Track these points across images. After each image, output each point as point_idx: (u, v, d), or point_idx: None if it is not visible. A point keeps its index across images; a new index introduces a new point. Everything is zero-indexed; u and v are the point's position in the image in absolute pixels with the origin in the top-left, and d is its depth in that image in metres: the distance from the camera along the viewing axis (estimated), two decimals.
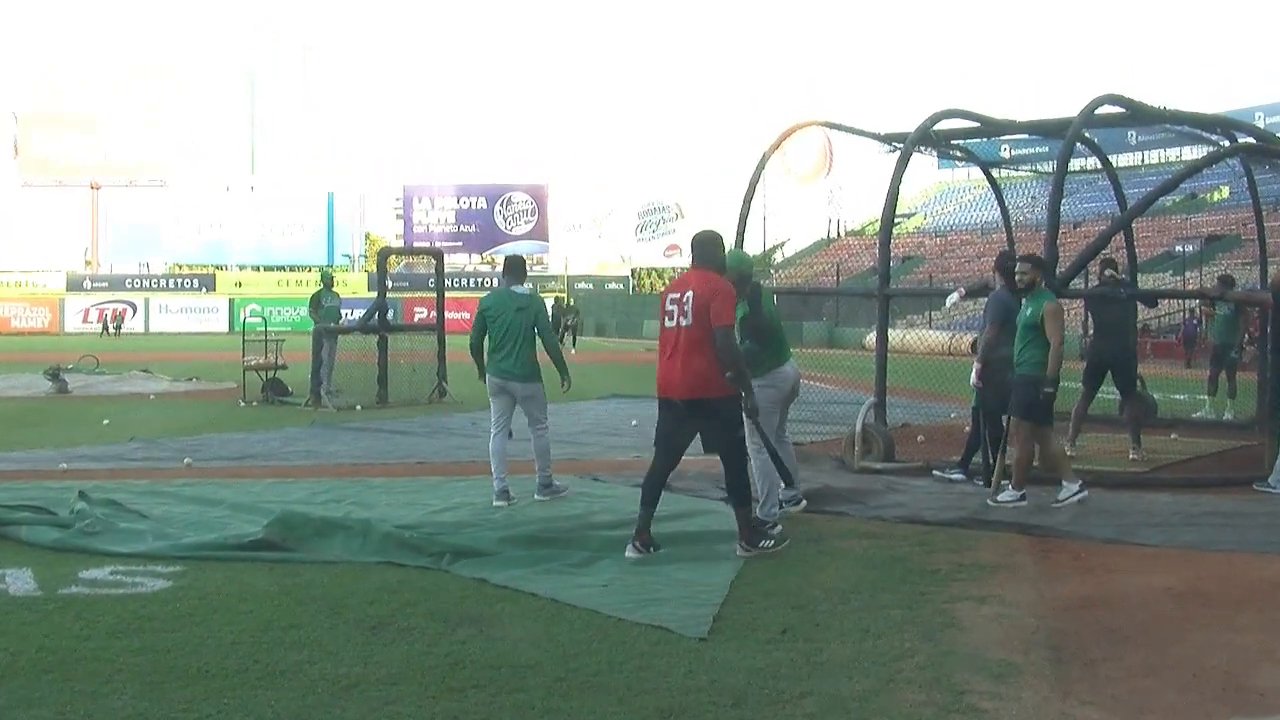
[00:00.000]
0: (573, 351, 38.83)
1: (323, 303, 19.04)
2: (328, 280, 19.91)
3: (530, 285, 9.59)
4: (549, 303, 39.54)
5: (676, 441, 7.49)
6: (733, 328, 7.27)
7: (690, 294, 7.29)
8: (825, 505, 9.12)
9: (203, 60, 75.21)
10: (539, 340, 9.40)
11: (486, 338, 9.39)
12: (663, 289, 7.77)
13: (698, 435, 7.49)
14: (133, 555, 7.31)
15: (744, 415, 7.33)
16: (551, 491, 9.38)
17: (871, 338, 14.06)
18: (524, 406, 9.41)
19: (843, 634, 5.67)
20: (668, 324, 7.40)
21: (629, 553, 7.29)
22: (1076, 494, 8.95)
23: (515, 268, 9.73)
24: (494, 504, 9.07)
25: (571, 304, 47.68)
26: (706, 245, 7.56)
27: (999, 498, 9.04)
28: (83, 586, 6.59)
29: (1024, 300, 9.17)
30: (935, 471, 10.59)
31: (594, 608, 6.11)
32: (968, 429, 10.89)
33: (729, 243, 8.35)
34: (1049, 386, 8.85)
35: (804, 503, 8.95)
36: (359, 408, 17.45)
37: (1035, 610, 6.17)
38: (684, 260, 73.73)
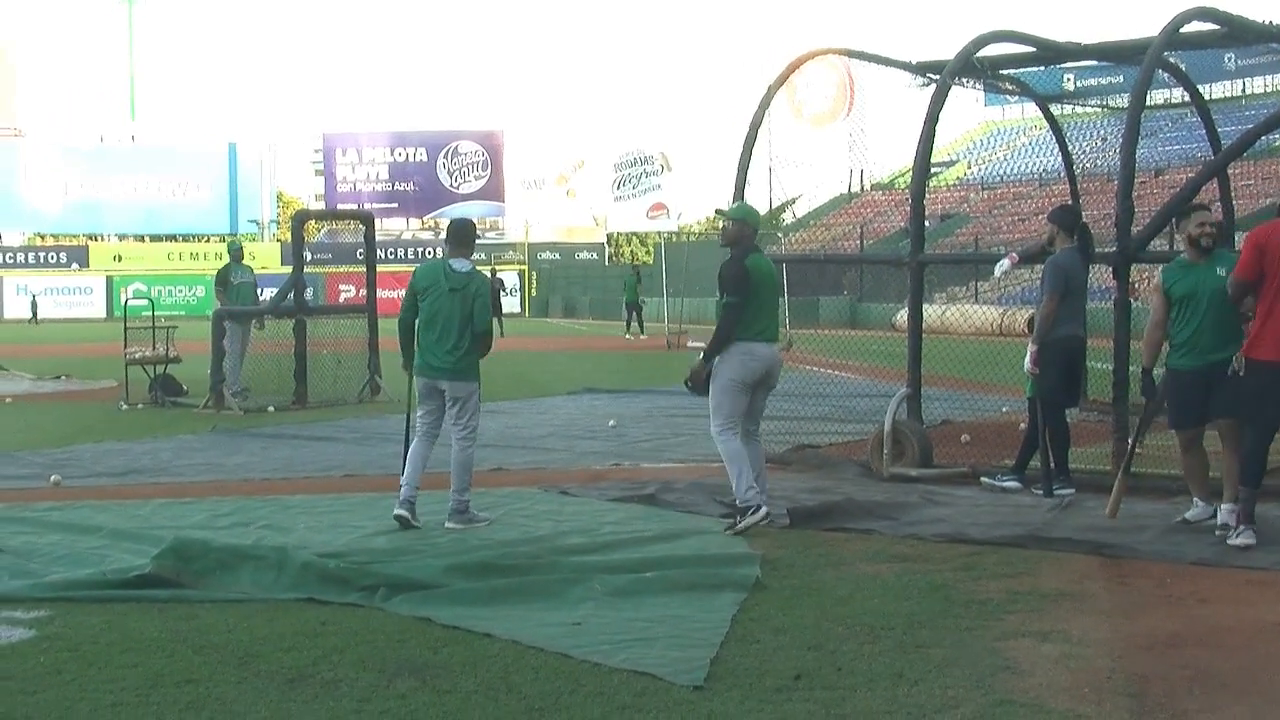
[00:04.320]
0: (632, 338, 38.23)
1: (231, 279, 19.04)
2: (236, 252, 19.98)
3: (471, 263, 9.44)
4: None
5: None
6: None
7: None
8: (848, 522, 9.14)
9: None
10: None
11: (418, 321, 9.36)
12: (1263, 230, 8.21)
13: None
14: None
15: None
16: (466, 520, 9.18)
17: (903, 315, 14.09)
18: (453, 405, 9.37)
19: (871, 680, 5.67)
20: None
21: (1222, 512, 8.33)
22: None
23: (459, 235, 9.60)
24: (394, 512, 9.07)
25: (636, 269, 46.62)
26: None
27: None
28: None
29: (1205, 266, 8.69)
30: (984, 479, 10.62)
31: (564, 651, 6.11)
32: (1023, 426, 10.92)
33: (726, 199, 8.54)
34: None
35: (764, 511, 8.94)
36: (271, 409, 17.41)
37: (1110, 650, 6.19)
38: (671, 223, 73.99)
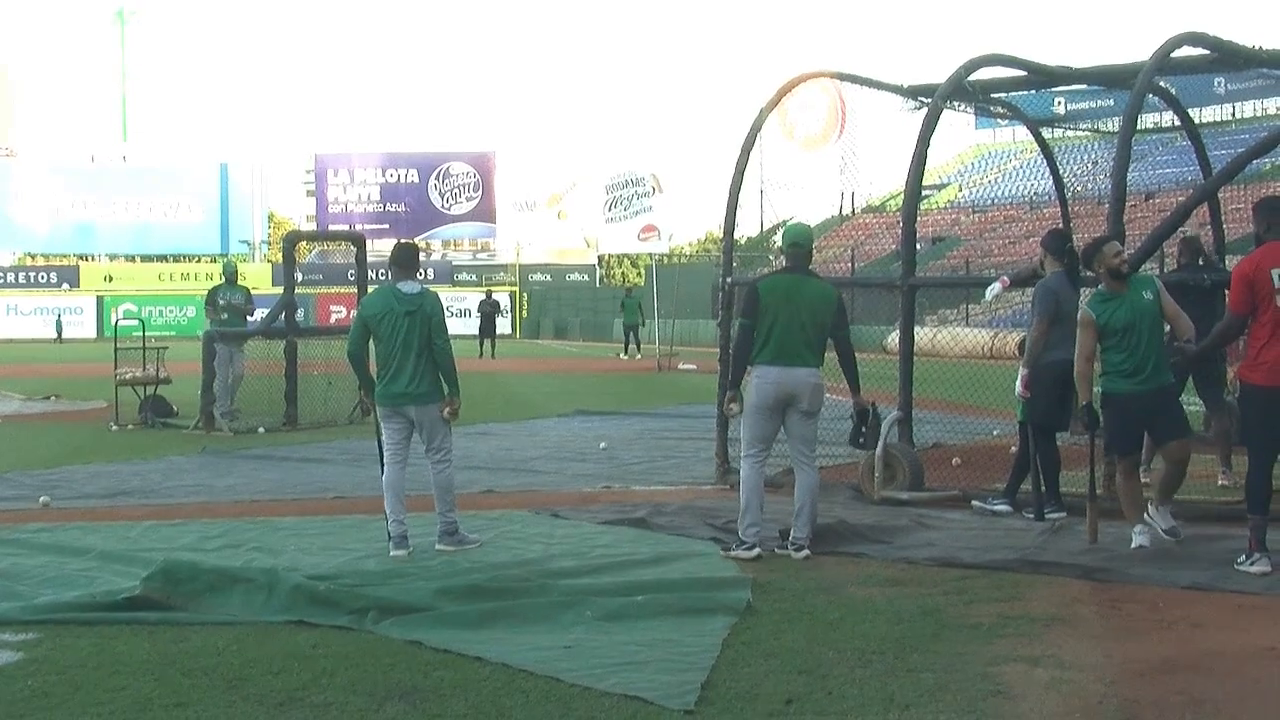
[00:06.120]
0: (628, 358, 38.34)
1: (219, 299, 19.02)
2: (230, 273, 19.93)
3: (419, 283, 9.46)
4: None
5: None
6: None
7: None
8: (839, 545, 9.13)
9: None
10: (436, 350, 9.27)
11: (373, 350, 9.34)
12: (1247, 262, 8.29)
13: None
14: None
15: None
16: (456, 542, 9.18)
17: (894, 338, 14.11)
18: (420, 431, 9.36)
19: (862, 704, 5.67)
20: None
21: (1253, 566, 7.98)
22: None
23: (404, 259, 9.59)
24: (391, 553, 9.00)
25: (630, 290, 47.16)
26: None
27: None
28: None
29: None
30: (975, 502, 10.62)
31: (554, 675, 6.10)
32: (1014, 449, 10.93)
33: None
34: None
35: (806, 551, 8.93)
36: (262, 430, 17.39)
37: (1101, 675, 6.18)
38: (663, 245, 74.19)
